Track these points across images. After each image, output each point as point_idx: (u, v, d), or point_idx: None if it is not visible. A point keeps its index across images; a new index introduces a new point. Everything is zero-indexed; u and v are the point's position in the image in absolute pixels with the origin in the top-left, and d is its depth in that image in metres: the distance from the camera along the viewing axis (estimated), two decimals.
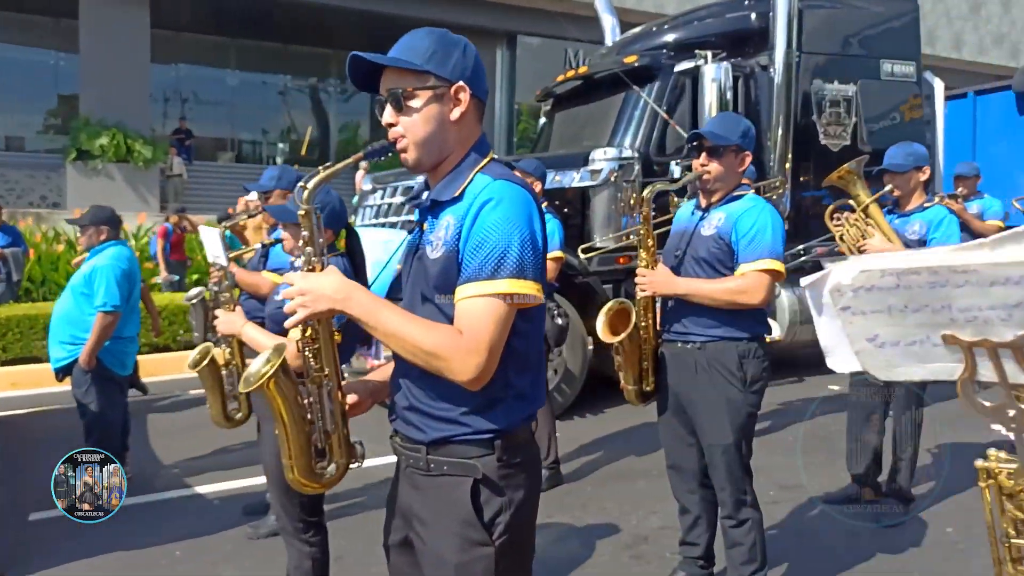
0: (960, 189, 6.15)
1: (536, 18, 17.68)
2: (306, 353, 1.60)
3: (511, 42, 18.50)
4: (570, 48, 19.16)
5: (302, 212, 1.57)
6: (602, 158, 5.91)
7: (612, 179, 5.88)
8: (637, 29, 7.32)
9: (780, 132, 6.19)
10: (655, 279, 2.79)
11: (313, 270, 1.56)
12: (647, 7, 16.89)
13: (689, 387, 2.79)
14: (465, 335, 1.46)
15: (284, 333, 2.58)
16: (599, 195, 5.91)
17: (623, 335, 2.81)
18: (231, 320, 2.68)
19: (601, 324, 2.93)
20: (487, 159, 1.63)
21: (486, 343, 1.46)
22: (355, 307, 1.50)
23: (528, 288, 1.49)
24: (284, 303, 2.57)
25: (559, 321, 4.27)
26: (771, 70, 6.21)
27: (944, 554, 3.45)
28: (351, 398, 1.66)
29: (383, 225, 6.12)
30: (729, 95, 5.82)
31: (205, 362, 2.71)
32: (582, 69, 6.84)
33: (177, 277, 9.60)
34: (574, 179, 5.94)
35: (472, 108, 1.61)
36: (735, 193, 2.79)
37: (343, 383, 1.66)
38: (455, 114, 1.59)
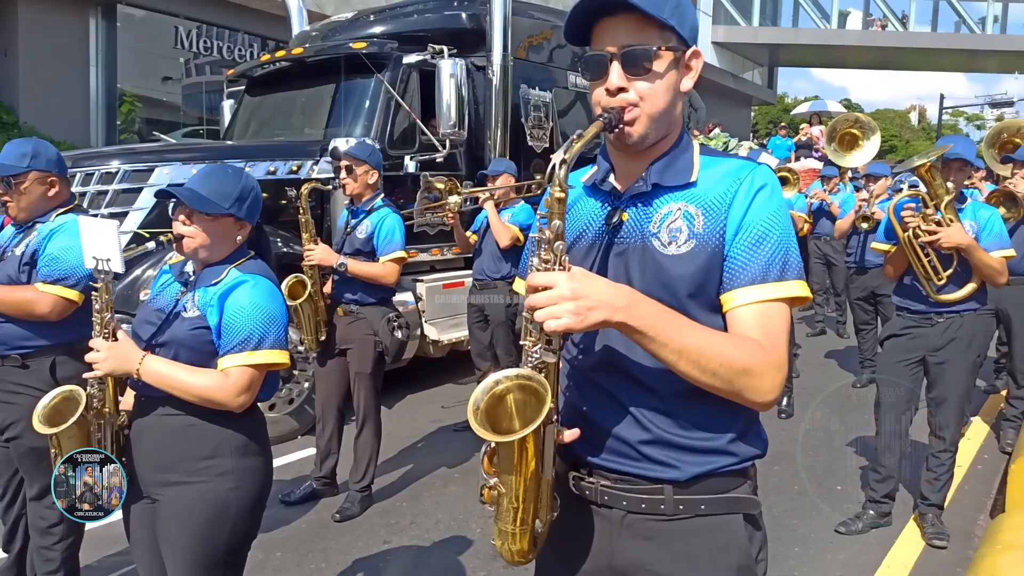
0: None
1: None
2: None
3: (109, 11, 16.06)
4: (182, 26, 17.36)
5: (559, 195, 1.18)
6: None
7: None
8: (339, 16, 6.95)
9: (499, 132, 6.42)
10: None
11: (560, 270, 1.18)
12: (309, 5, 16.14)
13: None
14: (768, 347, 1.24)
15: (206, 363, 1.92)
16: None
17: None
18: (122, 353, 1.88)
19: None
20: (695, 139, 1.41)
21: (785, 355, 1.27)
22: (640, 318, 1.17)
23: (808, 290, 1.32)
24: (199, 322, 1.92)
25: (399, 335, 3.82)
26: (489, 71, 6.40)
27: None
28: (570, 434, 1.30)
29: None
30: (465, 91, 5.85)
31: (74, 418, 1.83)
32: (296, 50, 6.24)
33: None
34: (312, 170, 5.43)
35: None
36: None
37: None
38: (686, 84, 1.34)
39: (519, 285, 1.58)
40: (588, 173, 1.46)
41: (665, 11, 1.26)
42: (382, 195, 4.02)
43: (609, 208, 1.37)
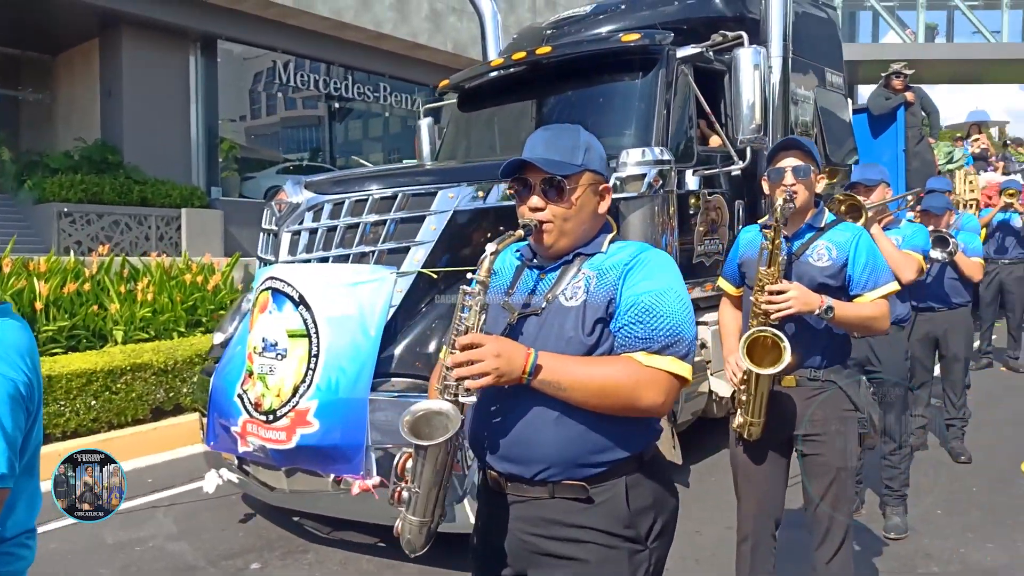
0: None
1: (238, 21, 14.99)
2: None
3: (209, 47, 15.46)
4: (279, 59, 16.75)
5: None
6: (638, 161, 4.34)
7: (655, 188, 4.35)
8: (568, 12, 5.88)
9: (780, 138, 5.25)
10: (799, 295, 2.46)
11: None
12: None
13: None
14: None
15: None
16: (639, 209, 4.32)
17: (780, 365, 2.33)
18: None
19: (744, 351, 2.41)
20: None
21: None
22: None
23: None
24: None
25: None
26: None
27: None
28: None
29: (327, 259, 3.77)
30: (766, 87, 4.70)
31: None
32: (543, 49, 5.12)
33: None
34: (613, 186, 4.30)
35: None
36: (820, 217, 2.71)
37: None
38: None
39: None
40: None
41: None
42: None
43: None
